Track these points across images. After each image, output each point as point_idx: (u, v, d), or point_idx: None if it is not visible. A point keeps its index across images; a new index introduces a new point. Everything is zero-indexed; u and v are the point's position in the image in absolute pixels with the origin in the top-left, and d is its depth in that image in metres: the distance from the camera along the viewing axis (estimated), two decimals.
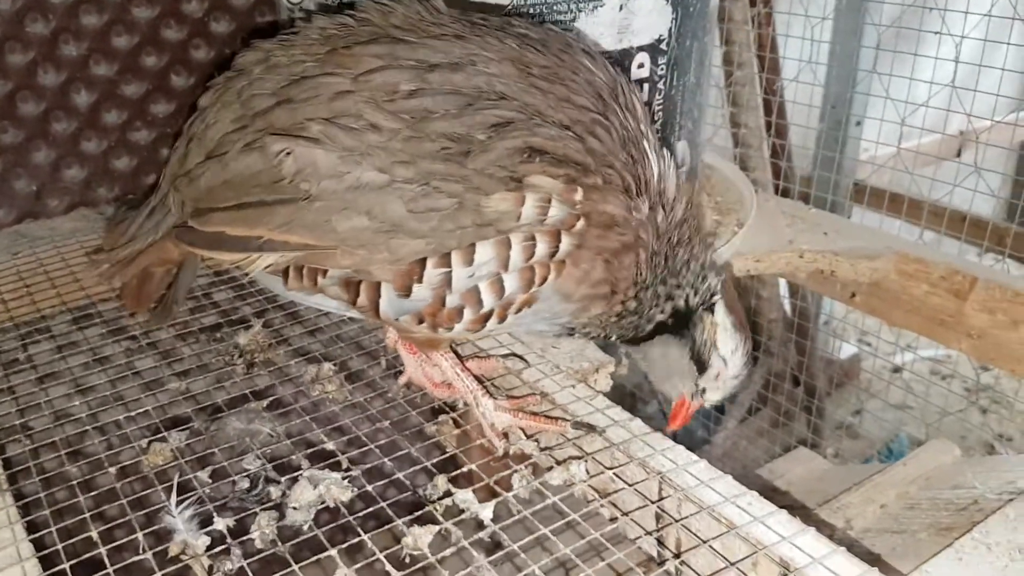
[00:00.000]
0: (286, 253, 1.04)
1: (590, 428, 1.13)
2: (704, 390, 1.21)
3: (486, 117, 0.95)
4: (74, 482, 1.09)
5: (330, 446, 1.14)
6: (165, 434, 1.18)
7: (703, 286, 1.13)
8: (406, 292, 1.02)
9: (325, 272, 1.05)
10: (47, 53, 1.76)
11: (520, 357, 1.33)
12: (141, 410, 1.23)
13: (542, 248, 1.00)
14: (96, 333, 1.42)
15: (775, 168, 2.26)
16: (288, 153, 0.98)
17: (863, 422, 2.93)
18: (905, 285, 1.60)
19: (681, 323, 1.15)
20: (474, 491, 1.03)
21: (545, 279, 1.03)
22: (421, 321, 1.05)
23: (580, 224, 1.00)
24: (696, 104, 1.57)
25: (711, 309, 1.15)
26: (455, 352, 1.23)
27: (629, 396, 2.86)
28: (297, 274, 1.07)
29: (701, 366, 1.18)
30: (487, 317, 1.05)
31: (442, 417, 1.23)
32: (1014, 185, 2.41)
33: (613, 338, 1.17)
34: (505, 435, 1.16)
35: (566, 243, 1.01)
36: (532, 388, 1.25)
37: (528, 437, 1.15)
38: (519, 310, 1.06)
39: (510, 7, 1.29)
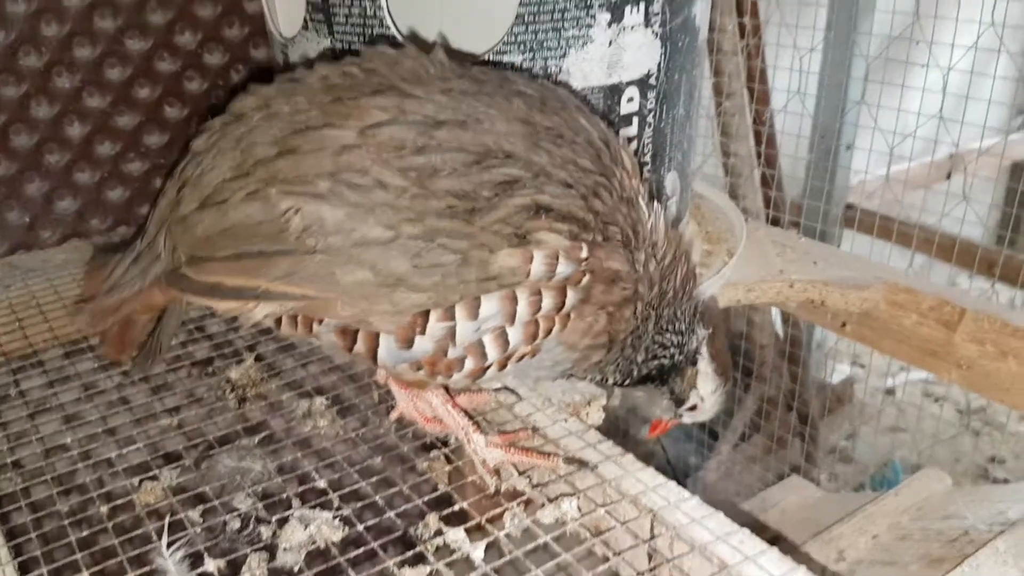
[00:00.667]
0: (284, 303, 1.02)
1: (582, 464, 1.13)
2: (682, 415, 1.29)
3: (493, 175, 0.96)
4: (66, 522, 1.08)
5: (321, 483, 1.14)
6: (156, 472, 1.18)
7: (689, 344, 1.18)
8: (408, 344, 1.01)
9: (321, 320, 1.04)
10: (40, 86, 1.77)
11: (511, 391, 1.33)
12: (133, 447, 1.22)
13: (548, 302, 1.01)
14: (88, 367, 1.42)
15: (765, 197, 2.27)
16: (296, 211, 0.97)
17: (856, 446, 2.93)
18: (895, 315, 1.61)
19: (665, 375, 1.21)
20: (466, 530, 1.03)
21: (550, 331, 1.03)
22: (419, 368, 1.05)
23: (586, 279, 1.02)
24: (686, 136, 1.59)
25: (694, 362, 1.20)
26: (445, 388, 1.24)
27: (621, 421, 2.86)
28: (291, 321, 1.06)
29: (680, 403, 1.25)
30: (487, 368, 1.05)
31: (434, 453, 1.23)
32: (1003, 211, 2.43)
33: (609, 381, 1.20)
34: (497, 471, 1.16)
35: (571, 297, 1.02)
36: (524, 422, 1.25)
37: (520, 473, 1.15)
38: (520, 359, 1.06)
39: (500, 44, 1.30)
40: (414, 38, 1.32)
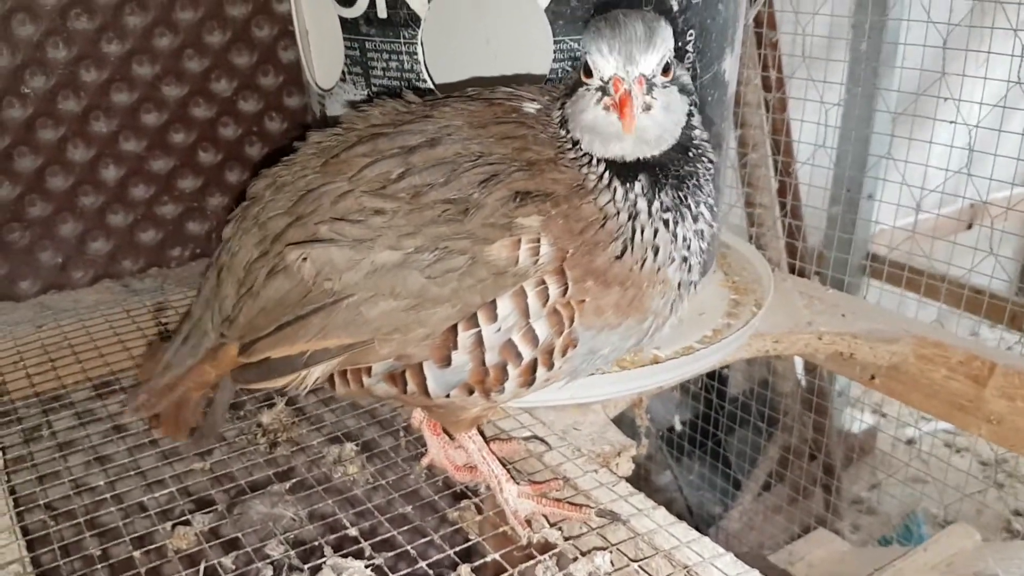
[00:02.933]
0: (330, 361, 1.07)
1: (614, 517, 1.13)
2: None
3: (472, 176, 1.00)
4: (99, 565, 1.09)
5: (353, 532, 1.14)
6: (189, 517, 1.18)
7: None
8: (446, 362, 1.04)
9: (369, 370, 1.07)
10: (78, 130, 1.81)
11: (541, 440, 1.33)
12: (166, 491, 1.23)
13: (554, 288, 1.01)
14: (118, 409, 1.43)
15: (790, 248, 2.28)
16: (305, 259, 1.03)
17: (880, 497, 2.90)
18: (924, 369, 1.60)
19: None
20: None
21: (572, 318, 1.03)
22: (471, 391, 1.06)
23: (570, 253, 1.00)
24: (715, 186, 1.60)
25: None
26: (482, 434, 1.24)
27: (642, 467, 2.85)
28: (343, 379, 1.10)
29: None
30: (533, 368, 1.05)
31: (464, 502, 1.23)
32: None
33: None
34: (528, 523, 1.15)
35: (571, 275, 1.01)
36: (554, 472, 1.25)
37: (551, 525, 1.15)
38: (564, 353, 1.06)
39: None
40: (449, 89, 1.35)
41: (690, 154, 1.04)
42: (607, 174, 1.01)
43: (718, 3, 1.39)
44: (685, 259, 1.06)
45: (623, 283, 1.02)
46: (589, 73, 0.98)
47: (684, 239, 1.04)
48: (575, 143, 1.02)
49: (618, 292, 1.03)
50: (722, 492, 2.71)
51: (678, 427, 2.77)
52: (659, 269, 1.03)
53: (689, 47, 1.39)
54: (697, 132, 1.06)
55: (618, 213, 1.01)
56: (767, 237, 2.29)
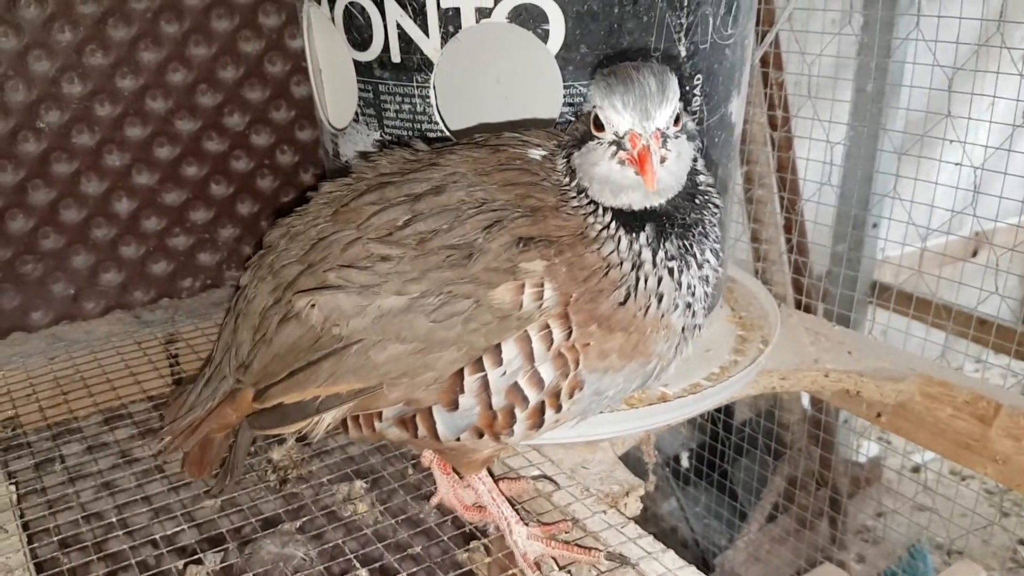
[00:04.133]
0: (341, 407, 1.09)
1: (624, 560, 1.14)
2: None
3: (476, 221, 1.02)
4: None
5: (363, 573, 1.15)
6: (201, 555, 1.19)
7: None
8: (454, 406, 1.05)
9: (380, 415, 1.09)
10: (91, 163, 1.83)
11: (550, 479, 1.34)
12: (178, 528, 1.24)
13: (558, 332, 1.02)
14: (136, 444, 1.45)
15: (795, 283, 2.29)
16: (313, 305, 1.06)
17: (885, 526, 2.90)
18: (930, 407, 1.61)
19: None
20: None
21: (577, 361, 1.04)
22: (481, 435, 1.08)
23: (573, 298, 1.01)
24: (722, 226, 1.61)
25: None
26: (491, 473, 1.25)
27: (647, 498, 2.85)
28: (356, 424, 1.12)
29: None
30: (540, 410, 1.07)
31: (473, 543, 1.24)
32: None
33: None
34: (538, 565, 1.16)
35: (574, 319, 1.02)
36: (563, 513, 1.26)
37: (560, 568, 1.16)
38: (571, 395, 1.07)
39: None
40: (460, 133, 1.37)
41: (696, 201, 1.06)
42: (613, 224, 1.02)
43: (725, 48, 1.42)
44: (689, 305, 1.07)
45: (627, 328, 1.03)
46: (600, 127, 1.00)
47: (689, 286, 1.05)
48: (581, 191, 1.04)
49: (622, 337, 1.04)
50: (727, 523, 2.70)
51: (685, 463, 2.77)
52: (663, 316, 1.04)
53: (696, 91, 1.40)
54: (702, 177, 1.08)
55: (621, 263, 1.02)
56: (772, 272, 2.30)
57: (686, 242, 1.04)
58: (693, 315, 1.08)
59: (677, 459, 2.83)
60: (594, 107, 1.00)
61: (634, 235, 1.02)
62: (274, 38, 1.93)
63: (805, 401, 2.68)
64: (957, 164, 1.74)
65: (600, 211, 1.03)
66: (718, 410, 2.67)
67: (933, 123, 1.80)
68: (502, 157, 1.10)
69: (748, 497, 2.72)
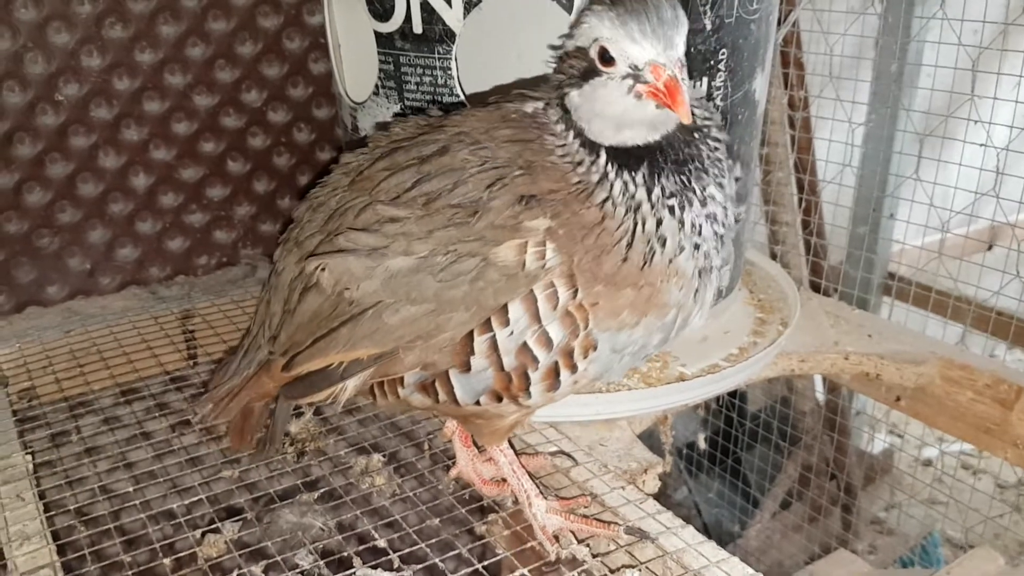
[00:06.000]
0: (362, 373, 1.09)
1: (643, 535, 1.13)
2: None
3: (479, 179, 1.01)
4: (129, 572, 1.10)
5: (381, 543, 1.15)
6: (219, 525, 1.19)
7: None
8: (466, 367, 1.05)
9: (402, 380, 1.09)
10: (109, 137, 1.83)
11: (568, 455, 1.33)
12: (195, 498, 1.24)
13: (563, 292, 1.00)
14: (149, 416, 1.45)
15: (813, 266, 2.28)
16: (323, 268, 1.06)
17: (897, 517, 2.88)
18: (950, 391, 1.60)
19: None
20: None
21: (587, 320, 1.02)
22: (500, 398, 1.07)
23: (577, 259, 0.99)
24: (734, 162, 1.60)
25: None
26: (512, 447, 1.24)
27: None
28: (381, 391, 1.12)
29: None
30: (554, 371, 1.05)
31: (491, 516, 1.24)
32: None
33: None
34: (556, 538, 1.16)
35: (581, 280, 1.00)
36: (581, 488, 1.25)
37: (579, 541, 1.15)
38: (585, 355, 1.05)
39: None
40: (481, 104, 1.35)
41: (694, 134, 1.02)
42: (608, 165, 0.99)
43: (750, 23, 1.40)
44: (697, 246, 1.02)
45: (635, 283, 1.00)
46: (608, 60, 0.96)
47: (693, 225, 1.01)
48: (578, 133, 1.01)
49: (632, 293, 1.01)
50: (740, 510, 2.69)
51: (701, 445, 2.76)
52: (670, 261, 1.00)
53: (721, 66, 1.39)
54: (698, 111, 1.03)
55: (616, 209, 0.98)
56: (790, 255, 2.28)
57: (683, 178, 1.00)
58: (705, 256, 1.03)
59: (691, 446, 2.82)
60: (595, 40, 0.96)
61: (629, 176, 0.99)
62: (293, 14, 1.92)
63: (819, 390, 2.67)
64: (982, 145, 1.72)
65: (594, 154, 1.00)
66: (732, 398, 2.66)
67: (957, 104, 1.79)
68: (502, 113, 1.09)
69: (761, 485, 2.71)
